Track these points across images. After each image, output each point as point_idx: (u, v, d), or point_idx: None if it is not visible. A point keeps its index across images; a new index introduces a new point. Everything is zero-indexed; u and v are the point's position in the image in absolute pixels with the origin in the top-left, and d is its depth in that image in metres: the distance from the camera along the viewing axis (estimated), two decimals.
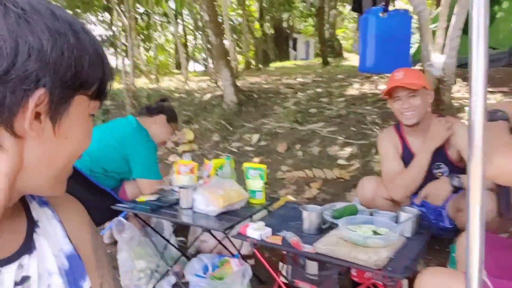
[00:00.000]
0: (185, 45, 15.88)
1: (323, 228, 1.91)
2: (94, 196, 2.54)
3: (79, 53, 0.59)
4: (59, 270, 0.68)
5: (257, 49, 12.83)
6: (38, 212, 0.71)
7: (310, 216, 1.92)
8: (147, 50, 15.56)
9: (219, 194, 2.17)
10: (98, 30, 15.02)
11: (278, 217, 2.14)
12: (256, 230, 1.89)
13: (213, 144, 4.78)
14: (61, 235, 0.73)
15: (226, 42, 8.31)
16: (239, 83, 6.04)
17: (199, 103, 5.58)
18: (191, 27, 16.75)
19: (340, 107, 5.14)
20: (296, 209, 2.18)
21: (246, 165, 2.39)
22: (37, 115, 0.57)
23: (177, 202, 2.29)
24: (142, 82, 7.79)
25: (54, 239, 0.71)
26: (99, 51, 0.63)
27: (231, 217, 2.12)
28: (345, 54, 14.70)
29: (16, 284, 0.62)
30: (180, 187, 2.30)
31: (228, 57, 5.37)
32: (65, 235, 0.73)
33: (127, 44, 12.04)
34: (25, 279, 0.63)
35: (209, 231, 2.22)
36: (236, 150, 4.62)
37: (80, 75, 0.59)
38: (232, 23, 14.59)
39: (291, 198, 3.58)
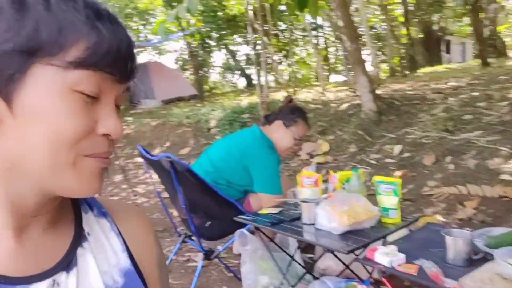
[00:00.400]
0: (326, 58, 15.81)
1: (474, 260, 1.51)
2: (220, 207, 2.52)
3: (17, 12, 0.47)
4: None
5: (403, 55, 11.99)
6: (92, 225, 0.65)
7: (456, 243, 1.54)
8: (289, 65, 15.89)
9: (343, 210, 1.91)
10: (244, 50, 15.97)
11: (416, 242, 1.79)
12: (386, 255, 1.59)
13: (350, 155, 4.48)
14: (119, 249, 0.65)
15: (367, 50, 7.92)
16: (380, 91, 5.63)
17: (335, 113, 5.34)
18: (333, 39, 16.61)
19: (502, 112, 4.35)
20: (439, 233, 1.80)
21: (376, 178, 2.08)
22: None
23: (299, 217, 2.11)
24: (280, 96, 7.87)
25: (108, 254, 0.64)
26: (74, 6, 0.49)
27: (358, 237, 1.84)
28: (511, 53, 12.73)
29: None
30: (302, 201, 2.11)
31: (365, 63, 5.02)
32: (123, 249, 0.66)
33: (269, 61, 12.56)
34: None
35: (332, 251, 1.97)
36: (375, 163, 4.24)
37: (22, 39, 0.47)
38: (375, 30, 14.01)
39: (439, 218, 3.09)
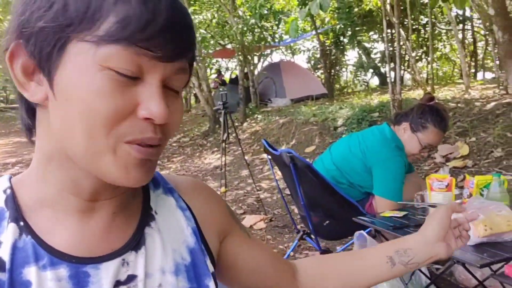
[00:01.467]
0: (474, 53, 14.25)
1: None
2: (339, 206, 2.44)
3: None
4: (176, 266, 0.61)
5: None
6: (158, 202, 0.65)
7: None
8: (429, 62, 14.69)
9: (480, 219, 1.68)
10: (380, 47, 15.32)
11: None
12: None
13: (494, 161, 3.95)
14: (186, 225, 0.65)
15: None
16: None
17: (478, 113, 4.76)
18: (483, 33, 14.87)
19: None
20: None
21: None
22: (36, 75, 0.51)
23: None
24: (416, 94, 7.33)
25: (175, 231, 0.64)
26: None
27: (496, 250, 1.60)
28: None
29: (120, 283, 0.56)
30: (430, 206, 1.92)
31: None
32: (189, 225, 0.66)
33: (406, 58, 11.78)
34: (131, 278, 0.57)
35: (463, 264, 1.75)
36: None
37: (53, 15, 0.47)
38: None
39: None
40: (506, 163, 3.87)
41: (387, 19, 6.35)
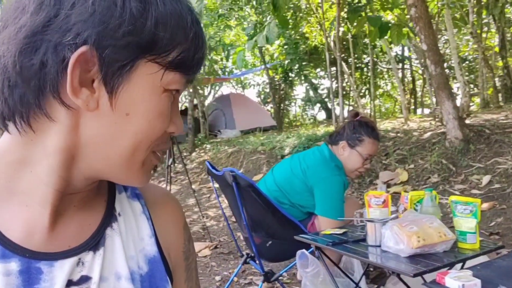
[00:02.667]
0: (413, 90, 15.16)
1: None
2: (281, 226, 2.43)
3: (140, 5, 0.47)
4: (132, 274, 0.58)
5: (496, 86, 11.08)
6: (124, 205, 0.63)
7: None
8: (372, 99, 15.44)
9: (413, 231, 1.73)
10: (327, 83, 15.94)
11: (497, 269, 1.54)
12: (458, 279, 1.38)
13: (431, 186, 4.14)
14: (147, 233, 0.63)
15: (457, 83, 7.45)
16: (469, 120, 5.22)
17: (416, 141, 5.02)
18: (420, 72, 15.94)
19: None
20: None
21: (453, 198, 1.87)
22: (90, 82, 0.48)
23: (364, 238, 1.96)
24: None
25: (135, 238, 0.61)
26: (180, 10, 0.50)
27: (428, 261, 1.65)
28: None
29: (72, 283, 0.53)
30: (367, 221, 1.96)
31: (451, 89, 4.70)
32: (151, 234, 0.63)
33: (351, 94, 12.32)
34: (84, 279, 0.54)
35: (398, 275, 1.78)
36: (459, 193, 3.87)
37: (140, 33, 0.47)
38: (466, 62, 13.21)
39: None
40: (442, 188, 4.07)
41: (332, 57, 6.66)
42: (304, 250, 2.29)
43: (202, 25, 0.55)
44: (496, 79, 11.20)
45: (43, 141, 0.51)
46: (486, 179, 3.92)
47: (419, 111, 15.09)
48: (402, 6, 6.86)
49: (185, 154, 8.49)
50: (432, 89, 8.72)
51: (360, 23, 5.44)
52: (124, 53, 0.47)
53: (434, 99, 16.79)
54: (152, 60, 0.49)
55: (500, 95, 10.87)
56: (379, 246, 1.85)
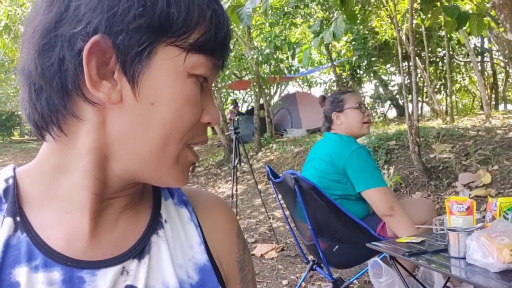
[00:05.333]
0: (494, 85, 14.08)
1: None
2: (348, 228, 2.30)
3: None
4: (181, 284, 0.54)
5: None
6: (170, 211, 0.60)
7: None
8: (448, 94, 14.52)
9: (504, 243, 1.53)
10: (397, 79, 15.25)
11: None
12: None
13: None
14: (196, 241, 0.59)
15: None
16: None
17: (500, 140, 4.59)
18: (502, 65, 14.71)
19: None
20: None
21: None
22: (111, 74, 0.46)
23: (445, 249, 1.78)
24: (435, 123, 7.18)
25: (183, 245, 0.58)
26: None
27: None
28: None
29: None
30: (449, 230, 1.77)
31: None
32: (201, 242, 0.59)
33: (425, 90, 11.66)
34: None
35: None
36: None
37: (152, 15, 0.45)
38: None
39: None
40: None
41: (403, 51, 6.30)
42: (376, 258, 2.14)
43: (223, 4, 0.51)
44: None
45: (75, 143, 0.50)
46: None
47: (501, 107, 13.96)
48: None
49: (251, 154, 8.53)
50: None
51: (435, 14, 5.07)
52: (139, 37, 0.45)
53: None
54: (172, 43, 0.47)
55: None
56: (463, 258, 1.67)
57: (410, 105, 4.82)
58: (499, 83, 14.92)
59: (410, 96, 6.29)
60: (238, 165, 3.98)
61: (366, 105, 2.55)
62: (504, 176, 4.04)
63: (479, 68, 11.91)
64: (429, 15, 5.43)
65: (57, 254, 0.49)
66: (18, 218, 0.50)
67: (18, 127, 25.81)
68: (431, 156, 4.85)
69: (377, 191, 2.15)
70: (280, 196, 2.74)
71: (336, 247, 2.30)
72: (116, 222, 0.54)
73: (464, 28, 5.50)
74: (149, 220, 0.57)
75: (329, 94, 2.60)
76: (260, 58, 8.06)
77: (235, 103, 14.90)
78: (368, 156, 2.26)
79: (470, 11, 5.50)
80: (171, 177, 0.52)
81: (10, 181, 0.53)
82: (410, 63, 7.89)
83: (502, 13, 4.20)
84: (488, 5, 6.77)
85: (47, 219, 0.51)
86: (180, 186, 0.55)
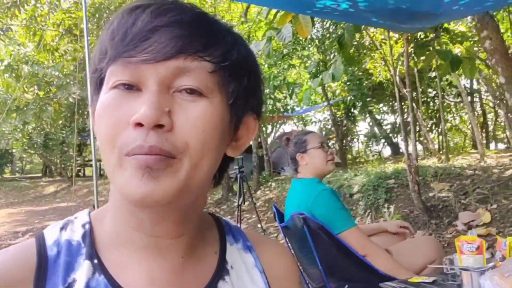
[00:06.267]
0: (484, 124, 14.39)
1: None
2: (359, 269, 2.32)
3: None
4: None
5: None
6: (235, 257, 0.61)
7: None
8: (439, 133, 14.88)
9: None
10: (390, 118, 15.57)
11: None
12: None
13: None
14: (262, 287, 0.60)
15: None
16: None
17: (497, 179, 4.70)
18: (491, 105, 15.13)
19: None
20: None
21: None
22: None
23: None
24: (431, 162, 7.31)
25: None
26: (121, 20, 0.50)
27: None
28: None
29: None
30: (462, 269, 1.82)
31: None
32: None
33: (417, 129, 11.91)
34: None
35: None
36: None
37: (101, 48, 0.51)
38: None
39: None
40: None
41: (400, 93, 6.52)
42: None
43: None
44: None
45: None
46: None
47: (492, 145, 14.22)
48: (471, 39, 6.64)
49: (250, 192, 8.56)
50: (505, 119, 8.23)
51: (429, 57, 5.31)
52: (101, 65, 0.52)
53: (508, 133, 15.76)
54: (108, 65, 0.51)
55: None
56: None
57: (405, 143, 4.94)
58: (489, 123, 15.28)
59: (404, 135, 6.45)
60: (242, 204, 4.00)
61: (328, 144, 2.62)
62: (504, 215, 4.11)
63: (471, 108, 12.24)
64: (423, 58, 5.68)
65: None
66: (95, 261, 0.52)
67: (10, 164, 25.61)
68: (430, 195, 4.94)
69: (349, 233, 2.18)
70: (285, 235, 2.76)
71: (346, 286, 2.32)
72: (181, 266, 0.55)
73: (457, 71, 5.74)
74: (216, 266, 0.58)
75: (292, 136, 2.64)
76: None
77: None
78: (331, 198, 2.26)
79: (459, 54, 5.73)
80: (126, 190, 0.47)
81: (87, 226, 0.56)
82: (403, 103, 8.11)
83: (493, 58, 4.42)
84: (475, 49, 7.09)
85: (117, 261, 0.54)
86: (140, 199, 0.46)
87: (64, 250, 0.53)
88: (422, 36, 5.57)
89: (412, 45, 5.50)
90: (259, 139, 9.68)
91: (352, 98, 10.19)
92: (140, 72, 0.47)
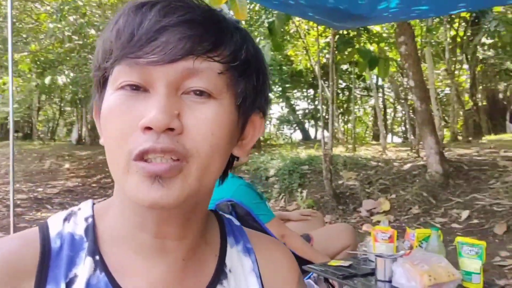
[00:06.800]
0: (385, 117, 15.67)
1: None
2: None
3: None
4: None
5: (467, 121, 11.70)
6: (234, 261, 0.60)
7: None
8: (345, 122, 16.01)
9: (424, 269, 1.84)
10: (302, 105, 16.29)
11: None
12: None
13: (412, 217, 4.33)
14: None
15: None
16: (445, 154, 5.48)
17: (397, 172, 5.23)
18: (392, 100, 16.54)
19: None
20: None
21: (459, 239, 2.00)
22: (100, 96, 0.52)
23: (372, 272, 2.05)
24: (339, 151, 7.84)
25: None
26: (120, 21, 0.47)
27: None
28: None
29: None
30: (377, 256, 2.05)
31: (434, 125, 4.95)
32: None
33: (327, 116, 12.65)
34: None
35: None
36: (439, 226, 4.06)
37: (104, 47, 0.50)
38: (438, 95, 13.84)
39: None
40: (423, 220, 4.25)
41: (315, 81, 6.89)
42: (309, 280, 2.36)
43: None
44: (463, 113, 11.80)
45: None
46: (465, 214, 4.14)
47: (388, 138, 15.64)
48: (387, 41, 7.19)
49: None
50: (404, 118, 9.14)
51: (351, 54, 5.66)
52: (103, 69, 0.50)
53: (403, 128, 17.41)
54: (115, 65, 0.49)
55: (467, 130, 11.45)
56: (389, 281, 1.94)
57: (319, 131, 5.25)
58: (388, 117, 16.74)
59: (320, 122, 6.84)
60: None
61: None
62: (401, 204, 4.61)
63: (372, 102, 13.27)
64: (346, 53, 6.03)
65: None
66: (97, 257, 0.52)
67: None
68: (340, 182, 5.34)
69: (269, 225, 2.27)
70: None
71: None
72: (182, 269, 0.55)
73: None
74: (214, 270, 0.57)
75: None
76: None
77: None
78: (248, 192, 2.31)
79: (377, 55, 6.18)
80: (133, 194, 0.46)
81: (90, 220, 0.55)
82: (316, 91, 8.52)
83: (407, 62, 4.87)
84: (386, 48, 7.71)
85: (118, 260, 0.53)
86: (148, 206, 0.46)
87: (67, 244, 0.52)
88: (345, 33, 5.88)
89: (336, 40, 5.79)
90: None
91: (272, 83, 10.44)
92: (147, 73, 0.46)
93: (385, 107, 16.46)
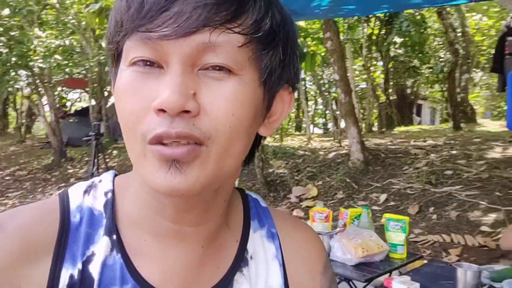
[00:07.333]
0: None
1: None
2: None
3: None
4: None
5: (380, 114, 12.68)
6: (257, 246, 0.56)
7: (466, 276, 1.71)
8: None
9: (357, 243, 2.07)
10: None
11: (425, 275, 1.94)
12: (403, 284, 1.73)
13: (338, 201, 4.68)
14: (277, 282, 0.55)
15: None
16: (364, 143, 5.95)
17: (323, 161, 5.58)
18: (313, 93, 17.32)
19: (480, 170, 4.69)
20: (445, 268, 1.98)
21: (386, 216, 2.26)
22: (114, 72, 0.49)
23: None
24: (267, 140, 8.13)
25: (264, 285, 0.55)
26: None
27: (370, 268, 1.99)
28: (479, 120, 13.75)
29: None
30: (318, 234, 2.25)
31: (356, 116, 5.36)
32: (281, 284, 0.56)
33: None
34: None
35: (348, 281, 2.10)
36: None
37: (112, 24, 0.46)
38: (356, 88, 14.76)
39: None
40: (347, 203, 4.61)
41: None
42: None
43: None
44: (377, 107, 12.77)
45: None
46: (383, 197, 4.57)
47: (310, 129, 16.40)
48: (312, 36, 7.55)
49: (86, 159, 8.09)
50: (325, 110, 9.70)
51: None
52: (114, 42, 0.46)
53: (323, 120, 18.33)
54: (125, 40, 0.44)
55: (381, 121, 12.41)
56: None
57: None
58: (309, 109, 17.52)
59: None
60: (95, 173, 3.87)
61: None
62: (327, 190, 4.95)
63: (303, 95, 13.80)
64: None
65: (146, 285, 0.48)
66: (114, 237, 0.49)
67: None
68: (270, 170, 5.57)
69: None
70: None
71: None
72: (200, 256, 0.52)
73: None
74: (234, 256, 0.54)
75: None
76: (105, 60, 7.78)
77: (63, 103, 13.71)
78: None
79: (306, 50, 6.48)
80: (150, 179, 0.43)
81: (109, 195, 0.52)
82: None
83: (332, 57, 5.19)
84: (308, 44, 8.12)
85: (134, 242, 0.50)
86: (166, 192, 0.43)
87: (86, 219, 0.50)
88: None
89: None
90: (100, 103, 9.14)
91: None
92: (160, 48, 0.41)
93: (307, 100, 17.23)
